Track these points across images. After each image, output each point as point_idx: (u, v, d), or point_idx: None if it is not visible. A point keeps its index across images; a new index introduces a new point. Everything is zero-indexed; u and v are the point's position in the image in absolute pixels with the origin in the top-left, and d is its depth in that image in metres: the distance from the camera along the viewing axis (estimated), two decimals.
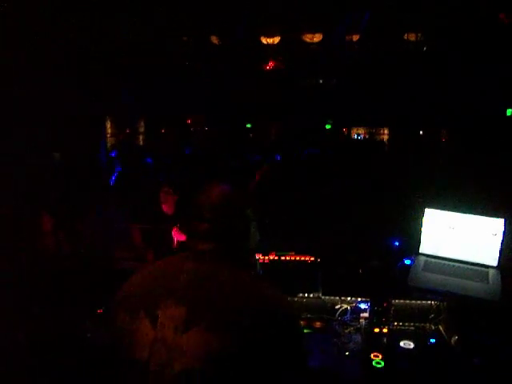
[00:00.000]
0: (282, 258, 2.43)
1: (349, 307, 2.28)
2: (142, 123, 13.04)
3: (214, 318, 1.08)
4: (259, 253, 2.42)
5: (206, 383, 1.05)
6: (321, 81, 11.40)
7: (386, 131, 13.40)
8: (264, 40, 11.28)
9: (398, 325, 2.24)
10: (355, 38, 9.34)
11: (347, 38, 9.35)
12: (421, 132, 12.54)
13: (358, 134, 13.73)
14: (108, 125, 10.49)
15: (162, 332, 1.09)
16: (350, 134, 13.64)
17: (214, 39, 11.04)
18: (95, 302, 2.34)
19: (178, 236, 3.40)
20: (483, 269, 2.30)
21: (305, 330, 2.18)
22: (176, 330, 1.08)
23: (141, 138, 12.93)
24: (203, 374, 1.05)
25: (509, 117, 9.84)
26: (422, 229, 2.45)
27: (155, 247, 3.46)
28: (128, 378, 1.11)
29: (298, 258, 2.43)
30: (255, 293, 1.15)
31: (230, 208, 1.24)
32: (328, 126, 12.66)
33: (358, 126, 13.69)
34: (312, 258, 2.44)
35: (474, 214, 2.35)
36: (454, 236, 2.38)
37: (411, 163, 6.93)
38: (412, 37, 10.15)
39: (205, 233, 1.21)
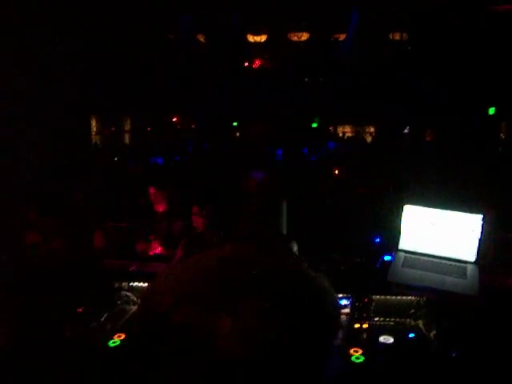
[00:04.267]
0: None
1: None
2: (129, 121, 12.92)
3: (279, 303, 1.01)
4: None
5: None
6: (306, 79, 11.43)
7: (372, 129, 13.49)
8: (251, 38, 11.30)
9: (378, 320, 2.26)
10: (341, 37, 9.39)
11: (333, 37, 9.40)
12: (406, 130, 12.64)
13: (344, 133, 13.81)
14: (93, 123, 10.37)
15: (245, 324, 1.01)
16: (336, 132, 13.70)
17: (201, 37, 11.00)
18: (76, 300, 2.31)
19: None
20: (461, 264, 2.33)
21: None
22: (258, 319, 1.05)
23: (127, 136, 12.81)
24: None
25: (491, 115, 9.99)
26: (402, 225, 2.47)
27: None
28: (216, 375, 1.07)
29: None
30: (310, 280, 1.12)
31: (273, 192, 1.34)
32: (314, 125, 12.68)
33: (344, 124, 13.76)
34: None
35: (453, 210, 2.37)
36: (433, 232, 2.41)
37: (395, 161, 6.99)
38: (397, 36, 10.26)
39: (254, 214, 1.23)
